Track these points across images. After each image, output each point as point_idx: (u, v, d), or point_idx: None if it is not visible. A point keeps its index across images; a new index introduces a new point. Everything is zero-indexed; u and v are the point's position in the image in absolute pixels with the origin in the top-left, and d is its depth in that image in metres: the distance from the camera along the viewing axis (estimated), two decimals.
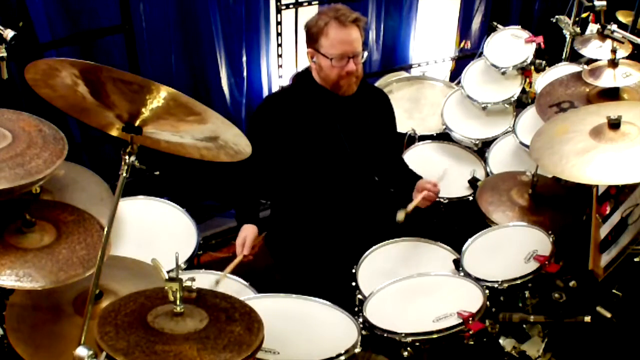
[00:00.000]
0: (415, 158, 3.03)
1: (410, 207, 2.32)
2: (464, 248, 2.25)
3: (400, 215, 2.29)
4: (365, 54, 2.34)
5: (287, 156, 2.40)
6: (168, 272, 1.51)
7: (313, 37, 2.31)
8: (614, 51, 2.50)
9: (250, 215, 2.40)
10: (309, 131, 2.39)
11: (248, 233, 2.29)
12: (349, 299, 2.13)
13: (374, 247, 2.34)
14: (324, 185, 2.43)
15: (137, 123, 1.54)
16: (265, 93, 3.56)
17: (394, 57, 4.05)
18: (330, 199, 2.44)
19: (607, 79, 2.49)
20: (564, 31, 3.21)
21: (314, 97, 2.40)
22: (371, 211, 2.50)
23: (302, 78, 2.46)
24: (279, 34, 3.45)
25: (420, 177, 2.55)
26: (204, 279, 2.13)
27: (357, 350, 1.83)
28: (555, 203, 2.48)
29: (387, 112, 2.60)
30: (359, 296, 2.14)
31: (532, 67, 3.12)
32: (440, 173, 2.60)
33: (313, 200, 2.44)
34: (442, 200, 2.77)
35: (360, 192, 2.48)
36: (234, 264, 2.20)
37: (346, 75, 2.30)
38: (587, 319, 1.98)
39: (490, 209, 2.47)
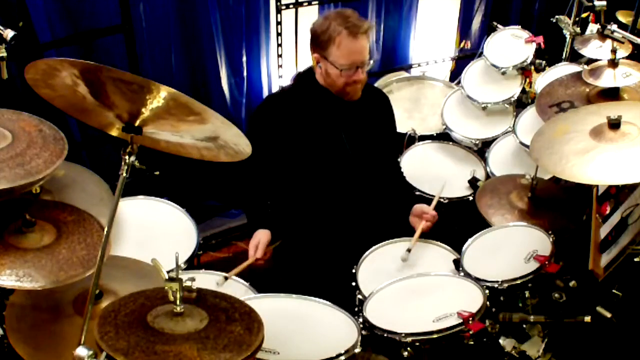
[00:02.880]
0: (415, 158, 3.03)
1: (412, 245, 2.31)
2: (464, 248, 2.25)
3: (405, 256, 2.29)
4: (372, 61, 2.35)
5: (288, 157, 2.40)
6: (168, 272, 1.51)
7: (322, 44, 2.29)
8: (614, 51, 2.50)
9: (263, 219, 2.38)
10: (311, 132, 2.39)
11: (261, 237, 2.30)
12: (349, 299, 2.13)
13: (374, 247, 2.34)
14: (324, 186, 2.43)
15: (137, 123, 1.54)
16: (265, 93, 3.56)
17: (394, 57, 4.05)
18: (331, 199, 2.44)
19: (607, 79, 2.49)
20: (564, 31, 3.21)
21: (317, 98, 2.39)
22: (371, 212, 2.50)
23: (304, 78, 2.45)
24: (279, 34, 3.45)
25: (413, 194, 2.56)
26: (206, 279, 2.14)
27: (357, 350, 1.83)
28: (555, 206, 2.48)
29: (387, 114, 2.60)
30: (359, 296, 2.14)
31: (532, 67, 3.12)
32: (439, 189, 2.62)
33: (313, 201, 2.44)
34: (442, 200, 2.77)
35: (361, 193, 2.47)
36: (243, 266, 2.21)
37: (353, 83, 2.31)
38: (587, 319, 1.98)
39: (489, 212, 2.47)
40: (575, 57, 3.21)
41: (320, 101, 2.39)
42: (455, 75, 4.04)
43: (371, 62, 2.34)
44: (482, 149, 3.04)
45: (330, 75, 2.32)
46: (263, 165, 2.37)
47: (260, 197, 2.45)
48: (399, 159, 2.93)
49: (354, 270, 2.24)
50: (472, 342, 1.93)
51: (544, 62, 3.12)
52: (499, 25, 3.35)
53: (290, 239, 2.48)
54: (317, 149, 2.39)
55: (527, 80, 3.12)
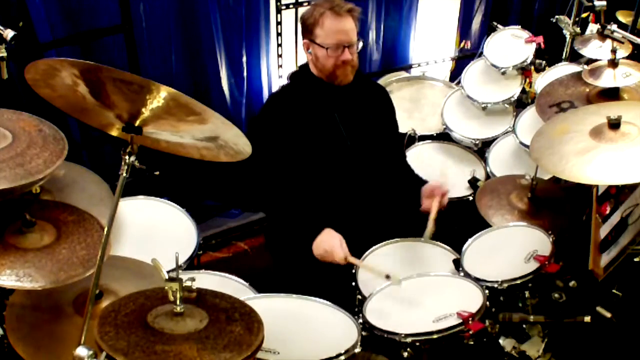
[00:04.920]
0: (415, 158, 3.03)
1: (431, 225, 2.32)
2: (464, 248, 2.25)
3: (427, 235, 2.32)
4: (360, 43, 2.37)
5: (291, 154, 2.40)
6: (168, 272, 1.51)
7: (308, 28, 2.35)
8: (614, 51, 2.50)
9: (314, 222, 2.31)
10: (309, 125, 2.40)
11: (334, 236, 2.23)
12: (349, 299, 2.13)
13: (374, 247, 2.33)
14: (324, 183, 2.43)
15: (137, 123, 1.54)
16: (265, 93, 3.56)
17: (394, 57, 4.05)
18: (331, 197, 2.44)
19: (607, 79, 2.49)
20: (564, 31, 3.21)
21: (312, 89, 2.42)
22: (372, 210, 2.50)
23: (299, 74, 2.49)
24: (279, 34, 3.45)
25: (423, 181, 2.56)
26: None
27: (357, 350, 1.83)
28: (555, 207, 2.48)
29: (387, 108, 2.62)
30: (359, 296, 2.14)
31: (532, 67, 3.12)
32: (439, 174, 2.59)
33: (313, 198, 2.44)
34: None
35: (361, 190, 2.48)
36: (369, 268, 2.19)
37: (342, 64, 2.33)
38: (587, 319, 1.98)
39: (489, 213, 2.47)
40: (575, 57, 3.22)
41: (314, 90, 2.41)
42: (455, 75, 4.04)
43: (360, 44, 2.36)
44: (482, 149, 3.04)
45: (319, 59, 2.35)
46: (275, 166, 2.37)
47: (297, 203, 2.38)
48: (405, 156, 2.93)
49: (354, 270, 2.24)
50: (472, 342, 1.93)
51: (544, 62, 3.12)
52: (499, 25, 3.35)
53: (291, 238, 2.48)
54: (316, 141, 2.40)
55: (527, 80, 3.12)
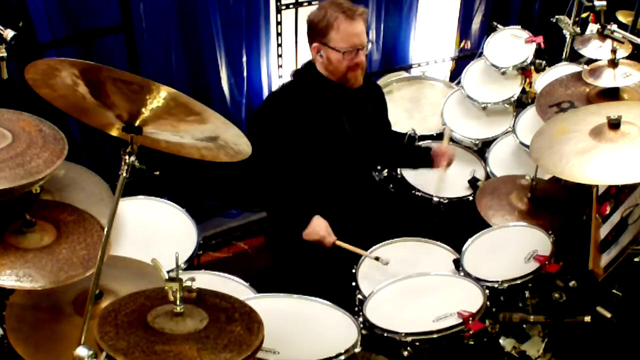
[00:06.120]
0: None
1: (441, 179, 2.51)
2: (464, 248, 2.25)
3: (438, 187, 2.49)
4: (370, 45, 2.40)
5: (294, 153, 2.40)
6: (168, 272, 1.51)
7: (321, 31, 2.34)
8: (614, 51, 2.50)
9: (306, 211, 2.38)
10: (315, 125, 2.40)
11: (321, 222, 2.34)
12: (349, 299, 2.13)
13: (373, 247, 2.34)
14: (326, 181, 2.44)
15: (137, 123, 1.54)
16: (265, 93, 3.56)
17: (394, 57, 4.05)
18: (332, 196, 2.45)
19: (607, 79, 2.49)
20: (564, 31, 3.21)
21: (320, 90, 2.42)
22: (372, 210, 2.50)
23: (304, 73, 2.48)
24: (279, 34, 3.45)
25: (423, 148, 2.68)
26: None
27: (357, 350, 1.84)
28: (555, 207, 2.48)
29: (382, 105, 2.66)
30: (359, 296, 2.14)
31: (532, 67, 3.13)
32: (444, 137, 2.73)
33: (314, 198, 2.44)
34: (442, 200, 2.77)
35: (363, 190, 2.48)
36: (353, 249, 2.29)
37: (355, 66, 2.35)
38: (587, 319, 1.98)
39: (489, 213, 2.47)
40: (575, 57, 3.22)
41: (321, 90, 2.42)
42: (455, 75, 4.04)
43: (369, 45, 2.39)
44: (482, 149, 3.04)
45: (332, 62, 2.35)
46: (275, 163, 2.37)
47: (288, 195, 2.43)
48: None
49: (354, 270, 2.24)
50: (472, 342, 1.93)
51: (544, 62, 3.12)
52: (499, 25, 3.35)
53: (291, 238, 2.48)
54: (322, 140, 2.41)
55: (527, 80, 3.13)
